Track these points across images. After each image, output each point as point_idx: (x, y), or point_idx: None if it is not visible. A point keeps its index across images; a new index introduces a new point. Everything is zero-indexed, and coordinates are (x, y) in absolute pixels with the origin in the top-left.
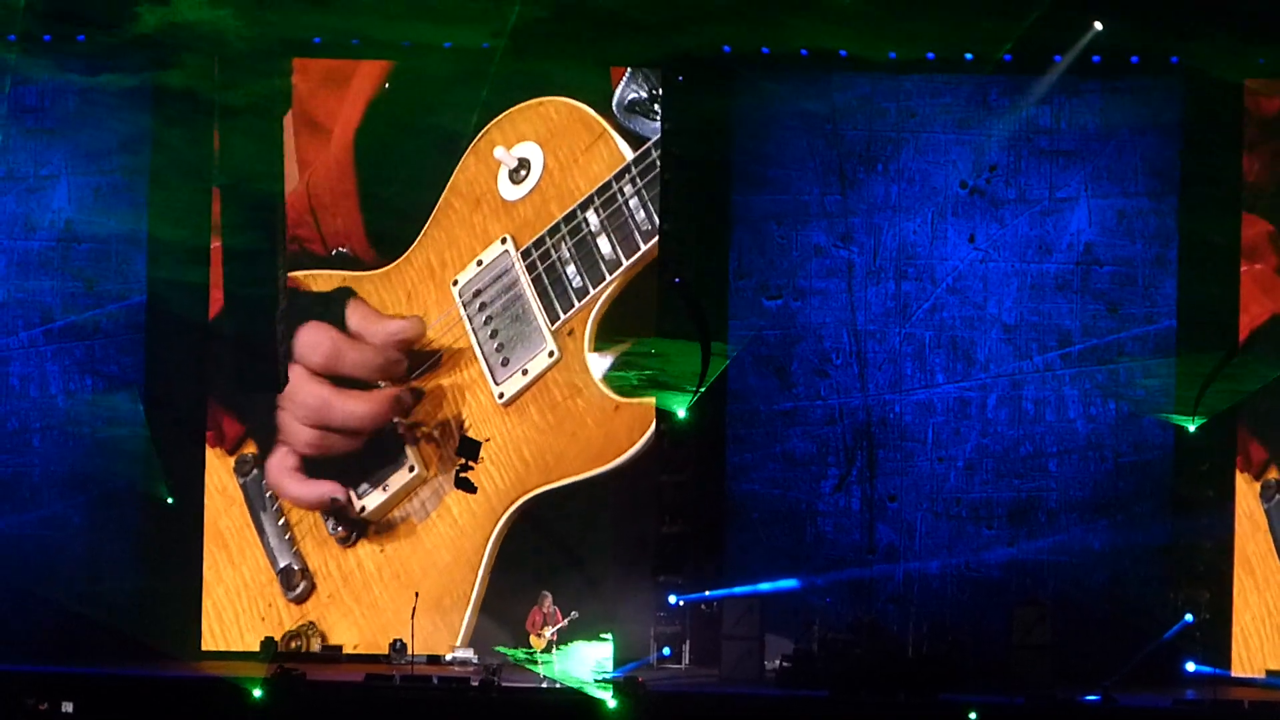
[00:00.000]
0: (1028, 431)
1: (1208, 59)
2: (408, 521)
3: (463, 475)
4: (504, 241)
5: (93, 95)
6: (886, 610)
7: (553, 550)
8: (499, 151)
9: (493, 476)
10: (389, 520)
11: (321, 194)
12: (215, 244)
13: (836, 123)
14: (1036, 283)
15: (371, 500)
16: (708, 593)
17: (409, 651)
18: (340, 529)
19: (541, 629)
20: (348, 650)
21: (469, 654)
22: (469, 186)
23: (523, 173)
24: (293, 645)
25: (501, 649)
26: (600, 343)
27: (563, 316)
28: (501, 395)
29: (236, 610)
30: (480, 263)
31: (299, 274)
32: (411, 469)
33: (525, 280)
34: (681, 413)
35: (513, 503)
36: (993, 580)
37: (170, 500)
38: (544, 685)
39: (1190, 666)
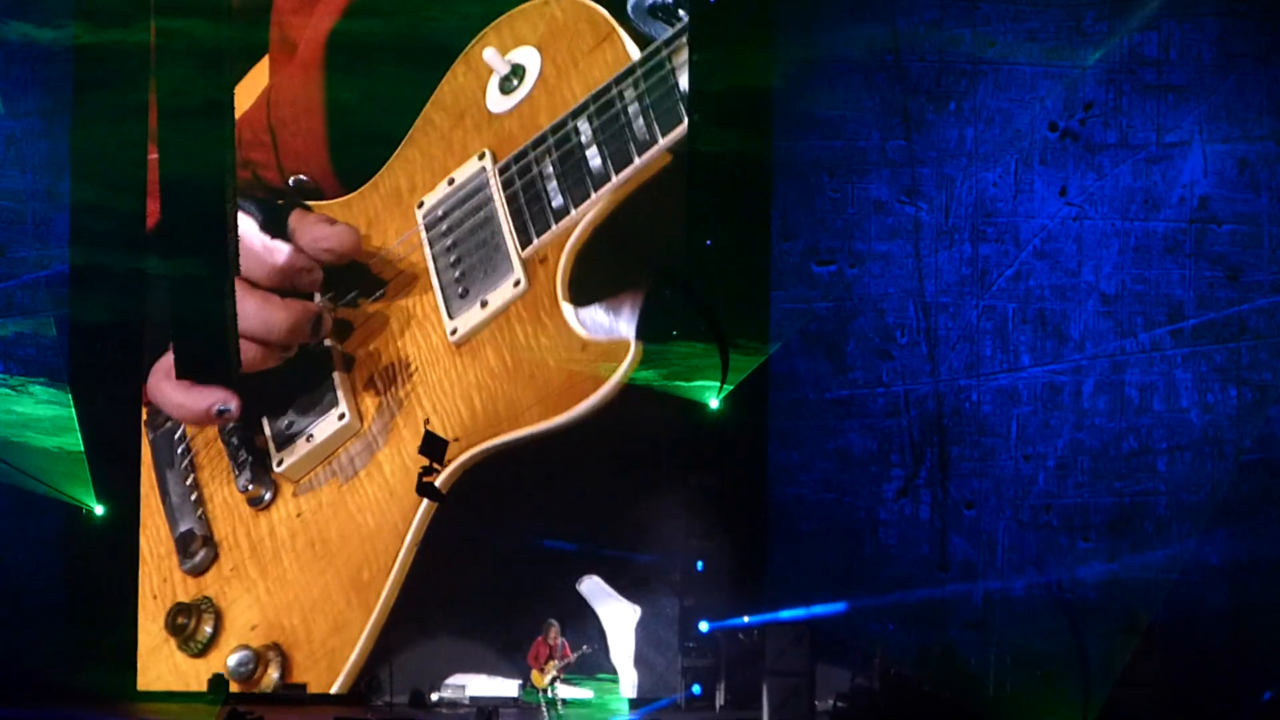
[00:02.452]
0: (1131, 424)
1: None
2: (332, 481)
3: (426, 480)
4: (481, 157)
5: None
6: (961, 638)
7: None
8: (489, 54)
9: (434, 429)
10: (311, 480)
11: (283, 109)
12: (152, 155)
13: (900, 52)
14: (1141, 244)
15: (292, 454)
16: (746, 619)
17: (387, 692)
18: (252, 486)
19: (546, 663)
20: (245, 633)
21: (461, 692)
22: (454, 98)
23: (514, 81)
24: (179, 622)
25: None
26: (577, 274)
27: (535, 241)
28: (454, 332)
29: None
30: (452, 181)
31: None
32: (342, 417)
33: (499, 200)
34: (714, 403)
35: (453, 459)
36: (1089, 602)
37: (99, 511)
38: None
39: None
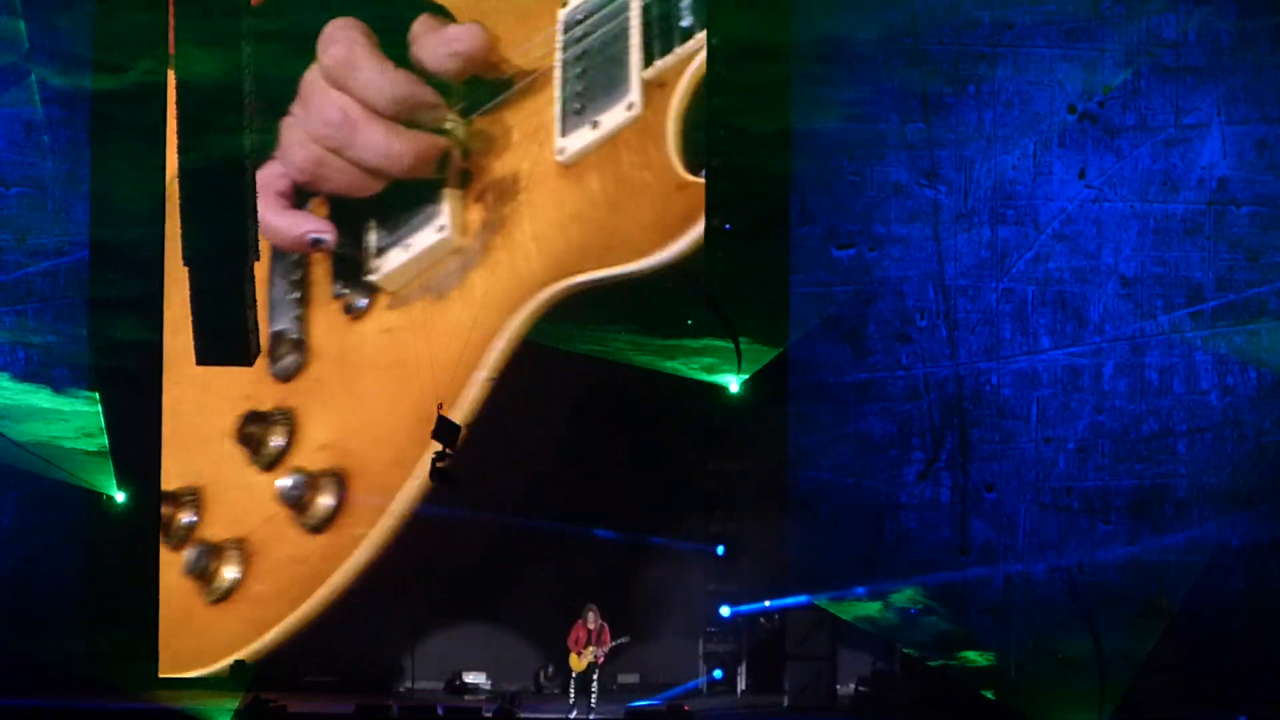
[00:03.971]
0: (1152, 406)
1: None
2: (426, 298)
3: (439, 465)
4: None
5: None
6: (982, 622)
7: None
8: None
9: (530, 254)
10: (406, 293)
11: None
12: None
13: (919, 35)
14: (1160, 226)
15: (389, 260)
16: (767, 603)
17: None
18: (347, 291)
19: (585, 647)
20: (313, 453)
21: (481, 678)
22: None
23: None
24: (248, 430)
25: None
26: (693, 102)
27: (658, 60)
28: (562, 151)
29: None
30: None
31: None
32: (441, 229)
33: (636, 7)
34: (734, 387)
35: (542, 288)
36: (1110, 585)
37: (121, 499)
38: (572, 716)
39: None
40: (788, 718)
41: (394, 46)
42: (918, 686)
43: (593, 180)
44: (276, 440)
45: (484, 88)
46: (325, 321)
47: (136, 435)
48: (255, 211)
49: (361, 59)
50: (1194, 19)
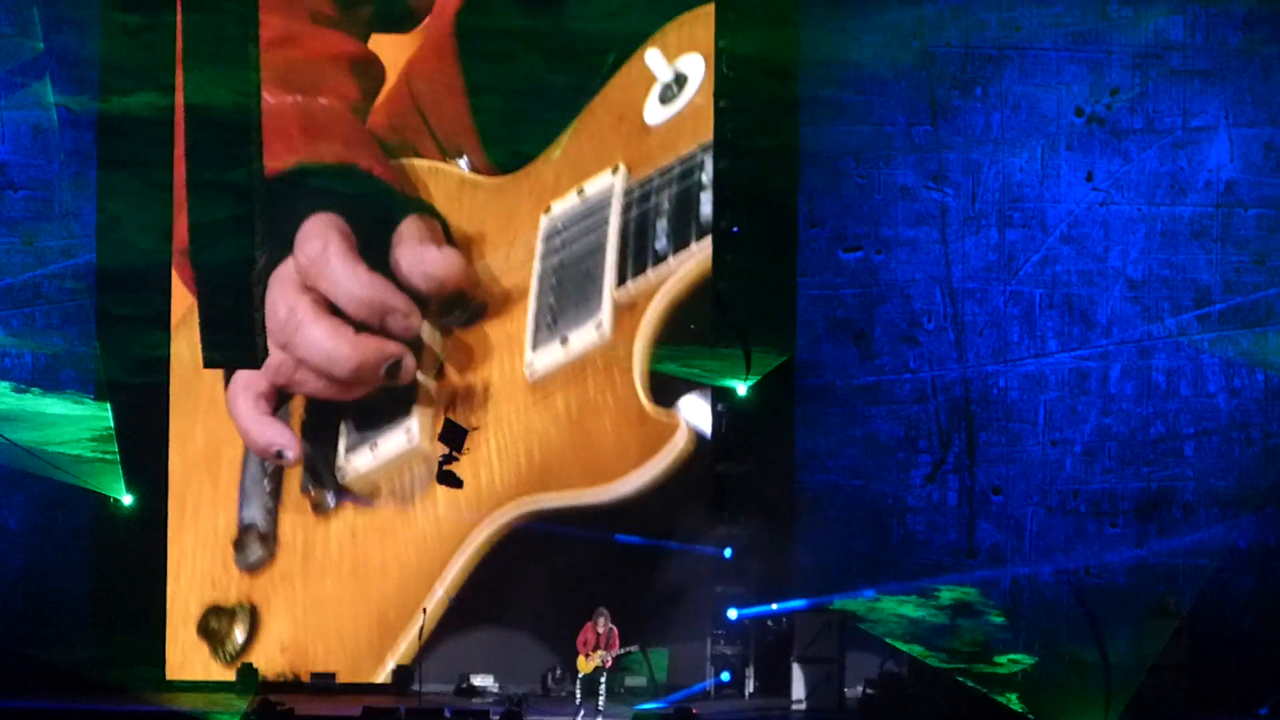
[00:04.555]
0: (1159, 409)
1: None
2: (391, 504)
3: (446, 468)
4: (614, 172)
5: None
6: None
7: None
8: (652, 56)
9: (492, 470)
10: (372, 493)
11: (421, 87)
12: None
13: (925, 37)
14: (1168, 229)
15: (357, 461)
16: (774, 605)
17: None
18: (314, 490)
19: (593, 650)
20: (272, 652)
21: (489, 681)
22: (621, 95)
23: (675, 90)
24: (210, 625)
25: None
26: (662, 331)
27: (629, 282)
28: (530, 367)
29: (193, 571)
30: (581, 192)
31: (416, 161)
32: (409, 432)
33: (615, 225)
34: (741, 389)
35: (498, 507)
36: (1117, 588)
37: (128, 501)
38: (579, 718)
39: None
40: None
41: (380, 244)
42: (926, 688)
43: (559, 400)
44: (239, 634)
45: (459, 304)
46: (294, 517)
47: (144, 437)
48: (264, 213)
49: (334, 258)
50: (1201, 21)
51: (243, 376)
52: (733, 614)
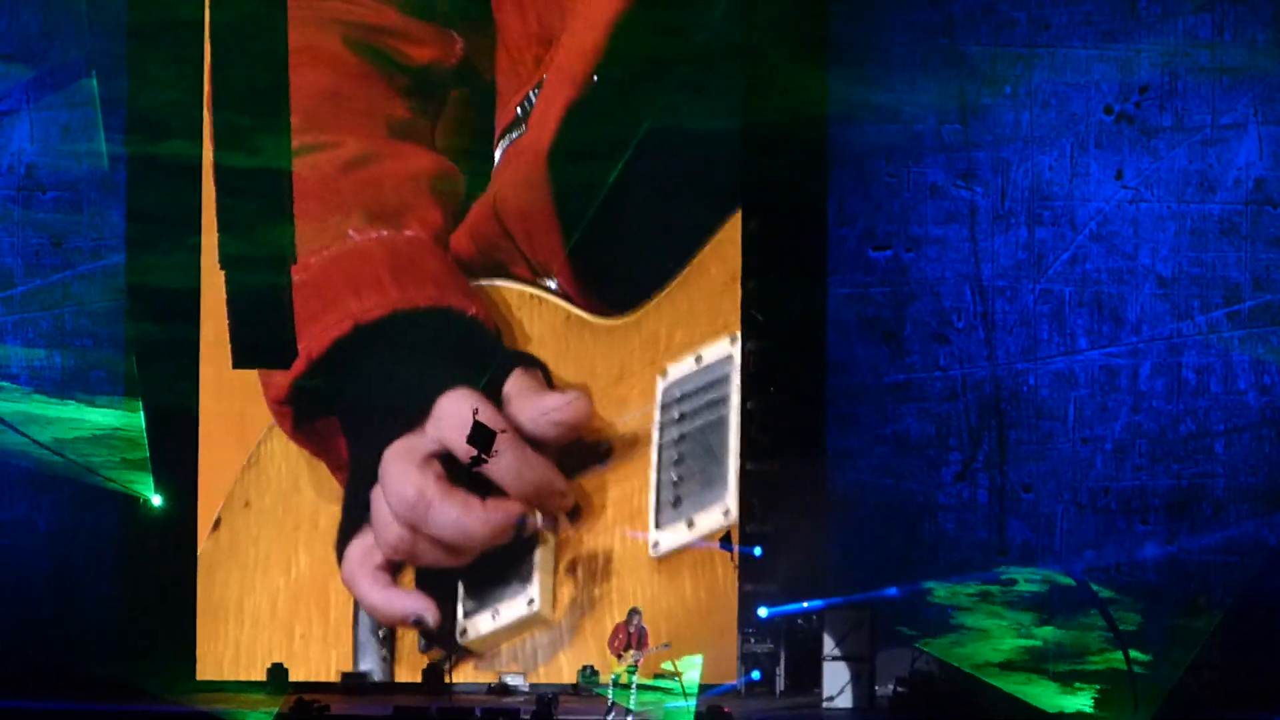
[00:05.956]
0: (1189, 406)
1: None
2: (511, 667)
3: (475, 470)
4: (733, 341)
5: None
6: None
7: None
8: None
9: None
10: (493, 655)
11: (510, 211)
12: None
13: (955, 36)
14: (1198, 227)
15: (477, 625)
16: (805, 604)
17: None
18: (432, 649)
19: (625, 650)
20: None
21: (520, 680)
22: (735, 253)
23: None
24: None
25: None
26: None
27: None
28: (655, 545)
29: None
30: (699, 359)
31: (518, 286)
32: (531, 602)
33: (736, 401)
34: (770, 389)
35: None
36: (1148, 585)
37: (158, 502)
38: (610, 718)
39: None
40: (826, 718)
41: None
42: (957, 686)
43: (685, 582)
44: None
45: (581, 450)
46: (410, 675)
47: (174, 437)
48: (292, 213)
49: (506, 447)
50: (1230, 19)
51: (356, 552)
52: (763, 612)
